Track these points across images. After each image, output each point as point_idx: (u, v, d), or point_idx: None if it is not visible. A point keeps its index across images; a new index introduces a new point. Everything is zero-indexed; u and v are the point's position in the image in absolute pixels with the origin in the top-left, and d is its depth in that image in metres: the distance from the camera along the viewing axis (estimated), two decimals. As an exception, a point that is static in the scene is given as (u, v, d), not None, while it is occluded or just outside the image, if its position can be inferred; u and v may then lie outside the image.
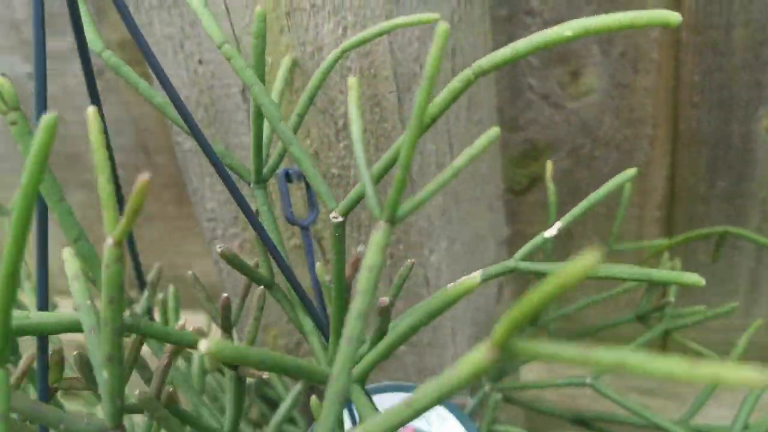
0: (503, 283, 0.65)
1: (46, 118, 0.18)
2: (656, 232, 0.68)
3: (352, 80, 0.28)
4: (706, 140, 0.62)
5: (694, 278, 0.35)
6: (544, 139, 0.67)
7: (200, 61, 0.45)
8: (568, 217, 0.36)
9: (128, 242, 0.40)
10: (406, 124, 0.43)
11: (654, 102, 0.62)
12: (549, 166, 0.50)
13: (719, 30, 0.57)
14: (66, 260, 0.26)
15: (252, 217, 0.35)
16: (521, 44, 0.26)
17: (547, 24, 0.62)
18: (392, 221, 0.24)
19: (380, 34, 0.36)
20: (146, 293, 0.40)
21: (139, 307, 0.39)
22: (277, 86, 0.41)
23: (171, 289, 0.43)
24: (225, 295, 0.36)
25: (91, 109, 0.20)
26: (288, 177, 0.44)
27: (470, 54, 0.51)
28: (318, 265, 0.43)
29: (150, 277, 0.40)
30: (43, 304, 0.29)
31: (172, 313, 0.42)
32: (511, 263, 0.36)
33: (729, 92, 0.59)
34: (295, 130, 0.37)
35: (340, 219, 0.31)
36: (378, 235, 0.23)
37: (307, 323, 0.37)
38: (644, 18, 0.24)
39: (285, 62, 0.42)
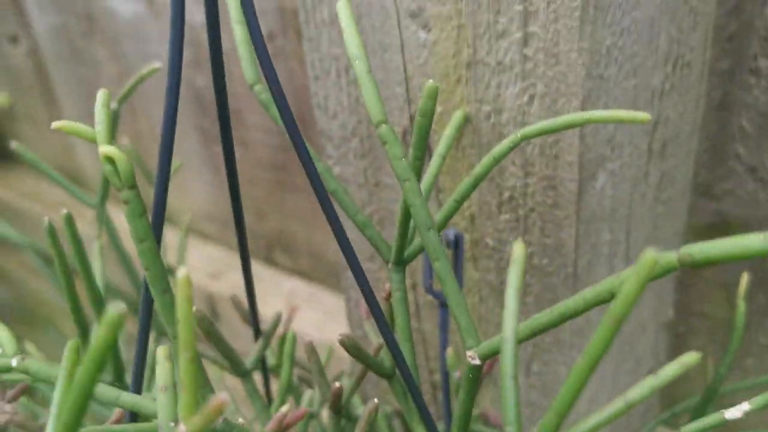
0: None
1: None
2: None
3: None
4: None
5: None
6: (739, 216, 0.57)
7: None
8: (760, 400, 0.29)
9: (247, 292, 0.37)
10: (581, 214, 0.36)
11: None
12: (744, 279, 0.42)
13: None
14: (158, 363, 0.23)
15: (377, 311, 0.30)
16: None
17: (777, 90, 0.52)
18: None
19: (568, 127, 0.30)
20: (260, 344, 0.38)
21: (249, 361, 0.36)
22: (445, 141, 0.36)
23: (289, 334, 0.40)
24: (338, 384, 0.32)
25: (182, 275, 0.16)
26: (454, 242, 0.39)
27: (676, 124, 0.44)
28: (449, 351, 0.38)
29: (267, 329, 0.37)
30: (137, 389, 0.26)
31: (287, 360, 0.39)
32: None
33: None
34: (451, 215, 0.32)
35: (477, 362, 0.26)
36: None
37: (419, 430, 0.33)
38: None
39: (456, 116, 0.37)
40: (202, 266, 0.95)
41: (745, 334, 0.62)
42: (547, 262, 0.38)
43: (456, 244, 0.39)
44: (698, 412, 0.45)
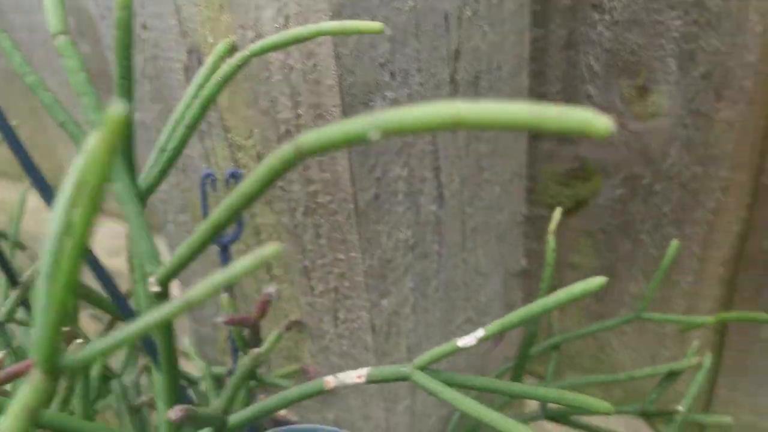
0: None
1: None
2: (716, 292, 0.56)
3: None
4: (795, 200, 0.49)
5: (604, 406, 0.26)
6: (596, 159, 0.56)
7: (144, 26, 0.38)
8: (500, 325, 0.27)
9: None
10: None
11: (737, 140, 0.49)
12: (556, 214, 0.39)
13: (836, 67, 0.44)
14: None
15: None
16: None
17: (617, 24, 0.50)
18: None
19: (295, 41, 0.28)
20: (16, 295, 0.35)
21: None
22: (204, 73, 0.34)
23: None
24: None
25: None
26: (234, 177, 0.37)
27: (489, 56, 0.41)
28: (224, 296, 0.36)
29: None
30: None
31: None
32: (407, 370, 0.27)
33: (835, 147, 0.46)
34: (184, 143, 0.30)
35: (157, 289, 0.24)
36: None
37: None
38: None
39: (220, 47, 0.34)
40: (103, 243, 0.93)
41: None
42: (329, 199, 0.36)
43: (234, 180, 0.37)
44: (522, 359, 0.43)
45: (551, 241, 0.40)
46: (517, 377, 0.42)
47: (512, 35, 0.43)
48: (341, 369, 0.41)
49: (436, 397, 0.27)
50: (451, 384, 0.27)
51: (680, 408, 0.41)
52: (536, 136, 0.58)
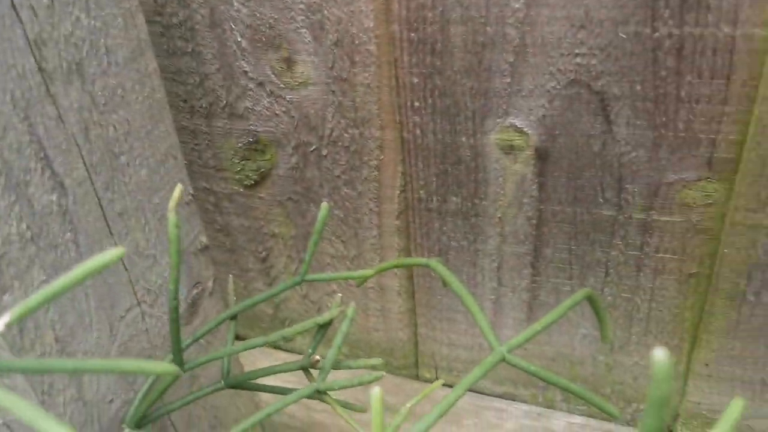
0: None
1: None
2: (397, 242, 0.60)
3: None
4: (433, 151, 0.53)
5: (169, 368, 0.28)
6: (267, 132, 0.58)
7: None
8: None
9: None
10: None
11: (378, 101, 0.53)
12: (177, 191, 0.40)
13: (434, 26, 0.48)
14: None
15: None
16: None
17: (251, 0, 0.52)
18: None
19: None
20: None
21: None
22: None
23: None
24: None
25: None
26: None
27: (92, 41, 0.42)
28: None
29: None
30: None
31: None
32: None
33: (452, 99, 0.50)
34: None
35: None
36: None
37: None
38: None
39: None
40: None
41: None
42: None
43: None
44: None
45: (171, 217, 0.41)
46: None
47: (120, 18, 0.44)
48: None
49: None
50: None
51: (318, 357, 0.44)
52: (191, 112, 0.59)
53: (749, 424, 0.57)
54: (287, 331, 0.46)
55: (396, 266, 0.51)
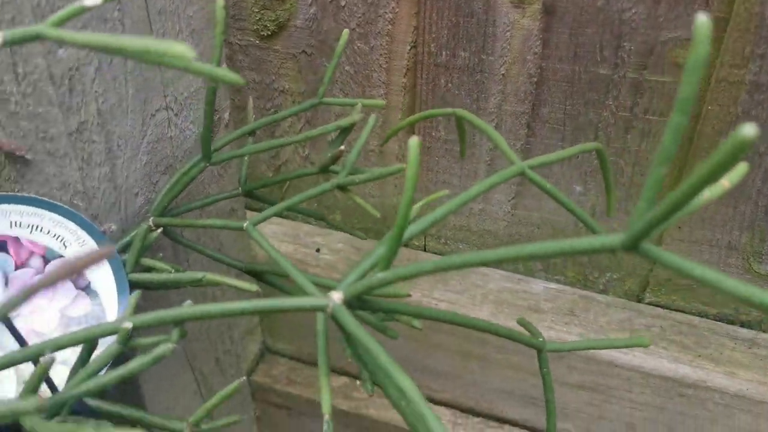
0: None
1: None
2: (402, 102, 0.64)
3: None
4: (448, 3, 0.57)
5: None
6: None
7: None
8: None
9: None
10: None
11: (400, -49, 0.56)
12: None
13: None
14: None
15: None
16: None
17: None
18: None
19: None
20: None
21: None
22: None
23: None
24: None
25: None
26: None
27: None
28: None
29: None
30: None
31: None
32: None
33: (471, -51, 0.54)
34: None
35: None
36: None
37: None
38: None
39: None
40: None
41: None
42: None
43: None
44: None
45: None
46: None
47: None
48: (32, 132, 0.43)
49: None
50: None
51: (342, 148, 0.47)
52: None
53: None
54: (307, 133, 0.49)
55: (426, 117, 0.55)
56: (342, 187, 0.46)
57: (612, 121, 0.58)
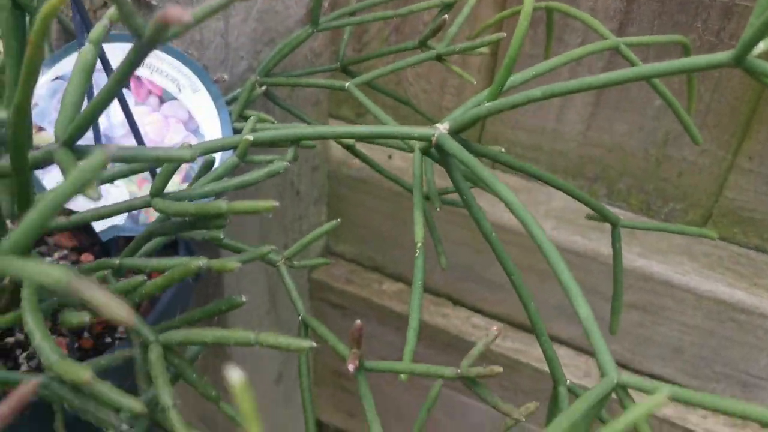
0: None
1: None
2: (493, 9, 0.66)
3: None
4: None
5: None
6: None
7: None
8: None
9: None
10: None
11: None
12: None
13: None
14: None
15: None
16: None
17: None
18: None
19: None
20: None
21: None
22: None
23: None
24: None
25: None
26: None
27: None
28: None
29: None
30: None
31: None
32: None
33: None
34: None
35: None
36: None
37: None
38: None
39: None
40: None
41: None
42: None
43: None
44: None
45: None
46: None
47: None
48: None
49: None
50: None
51: (445, 17, 0.50)
52: None
53: None
54: (411, 7, 0.51)
55: (516, 12, 0.57)
56: (440, 58, 0.49)
57: (698, 44, 0.59)
